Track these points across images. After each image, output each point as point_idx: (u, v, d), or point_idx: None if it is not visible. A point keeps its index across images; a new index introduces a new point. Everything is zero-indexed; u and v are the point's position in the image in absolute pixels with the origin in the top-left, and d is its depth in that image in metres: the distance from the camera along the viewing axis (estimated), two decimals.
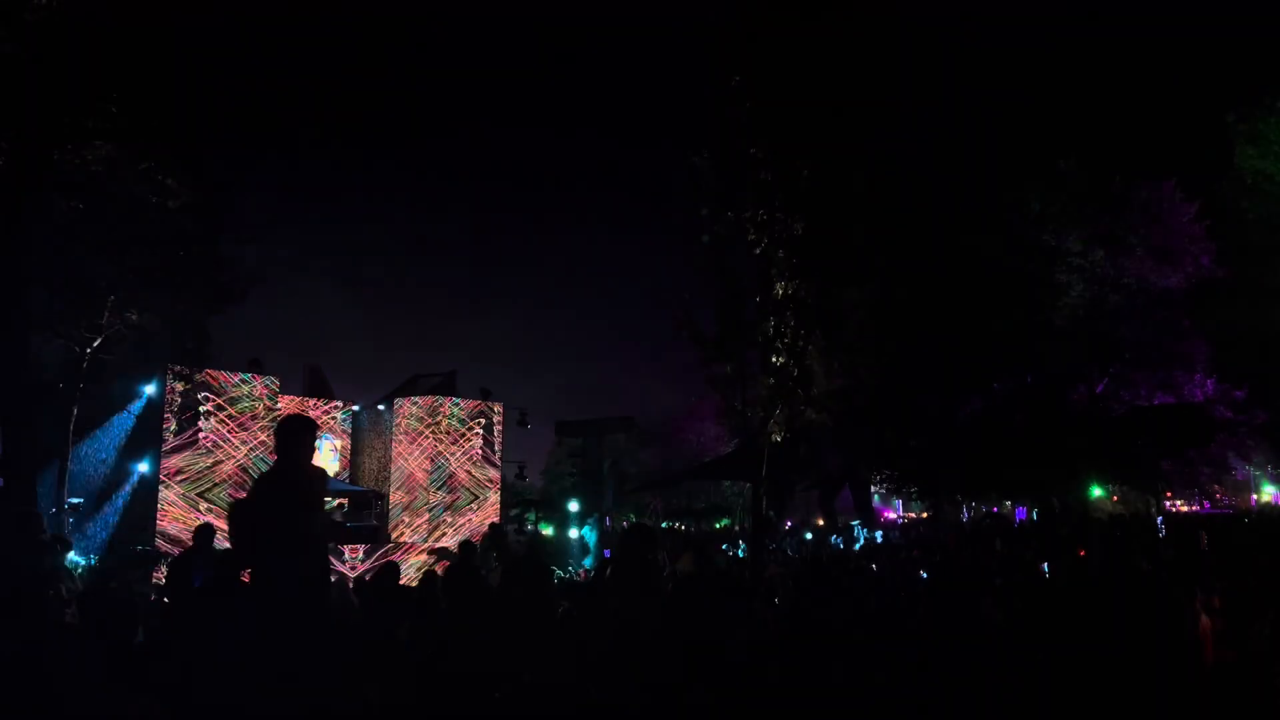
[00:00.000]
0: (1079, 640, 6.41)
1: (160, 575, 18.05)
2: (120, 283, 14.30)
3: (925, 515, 44.46)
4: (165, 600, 9.72)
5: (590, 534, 27.04)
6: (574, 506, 29.49)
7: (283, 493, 4.64)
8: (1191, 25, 23.54)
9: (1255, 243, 24.55)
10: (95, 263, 12.99)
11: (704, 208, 20.18)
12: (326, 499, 4.81)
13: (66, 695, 5.38)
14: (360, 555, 23.21)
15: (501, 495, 28.59)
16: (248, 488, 21.30)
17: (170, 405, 20.60)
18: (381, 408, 27.28)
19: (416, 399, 26.24)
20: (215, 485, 21.52)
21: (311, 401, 26.25)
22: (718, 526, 46.56)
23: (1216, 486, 33.83)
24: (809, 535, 31.43)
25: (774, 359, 22.89)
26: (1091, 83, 24.24)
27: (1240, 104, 24.29)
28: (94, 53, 11.37)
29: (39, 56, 11.00)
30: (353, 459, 27.12)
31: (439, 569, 11.15)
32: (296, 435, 4.73)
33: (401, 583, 8.55)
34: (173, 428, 20.77)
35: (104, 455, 21.46)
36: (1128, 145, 24.61)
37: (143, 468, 21.65)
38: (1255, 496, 46.72)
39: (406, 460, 25.93)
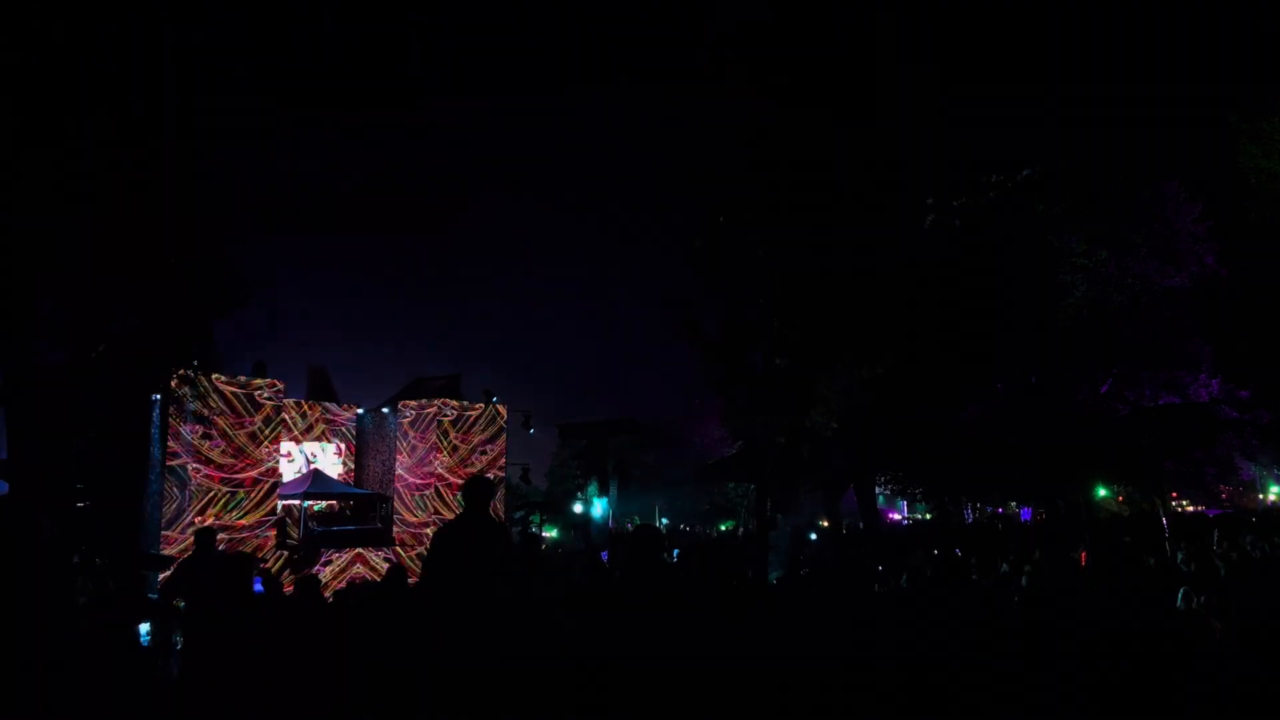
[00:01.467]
0: (1083, 639, 6.41)
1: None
2: (124, 287, 14.32)
3: (929, 516, 44.42)
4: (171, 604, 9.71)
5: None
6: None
7: (461, 536, 5.76)
8: (1196, 24, 23.51)
9: (1259, 242, 24.52)
10: (99, 263, 13.01)
11: (713, 210, 20.18)
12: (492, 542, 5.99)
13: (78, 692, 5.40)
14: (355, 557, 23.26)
15: (506, 497, 28.63)
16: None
17: (175, 410, 20.67)
18: (386, 410, 27.34)
19: (420, 402, 26.31)
20: (219, 488, 21.59)
21: (330, 406, 26.36)
22: (722, 529, 46.58)
23: (1222, 486, 33.79)
24: (813, 536, 31.42)
25: (777, 360, 22.88)
26: (1096, 81, 24.20)
27: (1244, 104, 24.27)
28: (94, 46, 11.42)
29: (37, 59, 11.05)
30: (357, 461, 27.19)
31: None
32: (480, 492, 5.84)
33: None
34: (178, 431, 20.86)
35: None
36: (1131, 145, 24.58)
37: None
38: (1261, 496, 46.62)
39: (410, 463, 25.98)
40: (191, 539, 20.46)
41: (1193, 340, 25.15)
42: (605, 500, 27.65)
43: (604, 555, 15.51)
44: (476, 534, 5.71)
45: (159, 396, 20.54)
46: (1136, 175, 24.87)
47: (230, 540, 21.05)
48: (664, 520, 47.39)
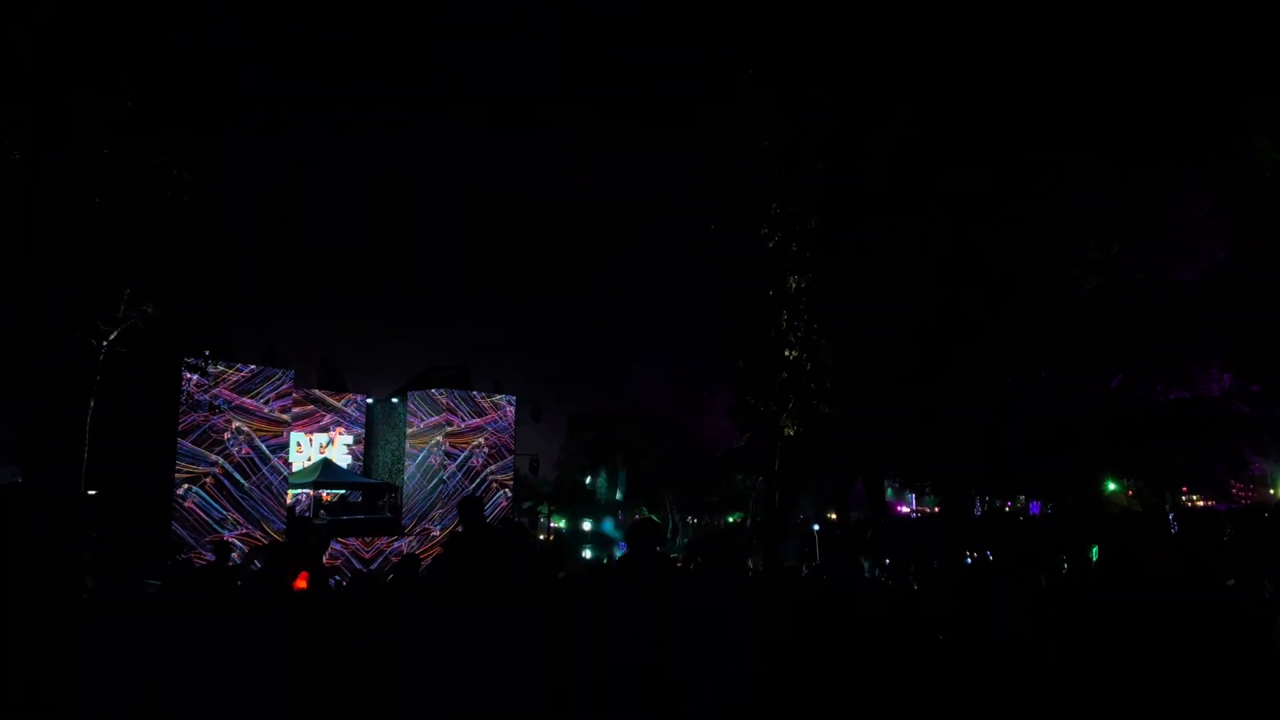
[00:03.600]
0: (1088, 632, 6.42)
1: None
2: (136, 275, 14.41)
3: (937, 510, 44.36)
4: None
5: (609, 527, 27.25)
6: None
7: (463, 547, 6.63)
8: (1210, 16, 23.30)
9: (1272, 236, 24.36)
10: (111, 253, 13.09)
11: (719, 203, 20.16)
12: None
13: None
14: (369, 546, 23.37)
15: (514, 487, 28.69)
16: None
17: (185, 398, 20.77)
18: (395, 401, 27.43)
19: (429, 392, 26.38)
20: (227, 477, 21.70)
21: (324, 393, 26.47)
22: (730, 520, 46.65)
23: (1232, 481, 33.66)
24: (816, 527, 31.47)
25: (787, 353, 22.85)
26: (1107, 75, 24.03)
27: (1257, 96, 24.06)
28: (101, 37, 11.48)
29: (50, 43, 11.11)
30: (366, 451, 27.29)
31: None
32: (471, 510, 6.64)
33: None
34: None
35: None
36: (1143, 138, 24.40)
37: None
38: (1271, 491, 46.34)
39: (419, 452, 26.07)
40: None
41: (1204, 335, 25.03)
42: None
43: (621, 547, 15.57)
44: (481, 546, 6.36)
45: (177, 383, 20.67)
46: (1150, 169, 24.69)
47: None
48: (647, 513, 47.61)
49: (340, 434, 26.77)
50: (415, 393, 26.61)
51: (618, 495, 41.79)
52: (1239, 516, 25.24)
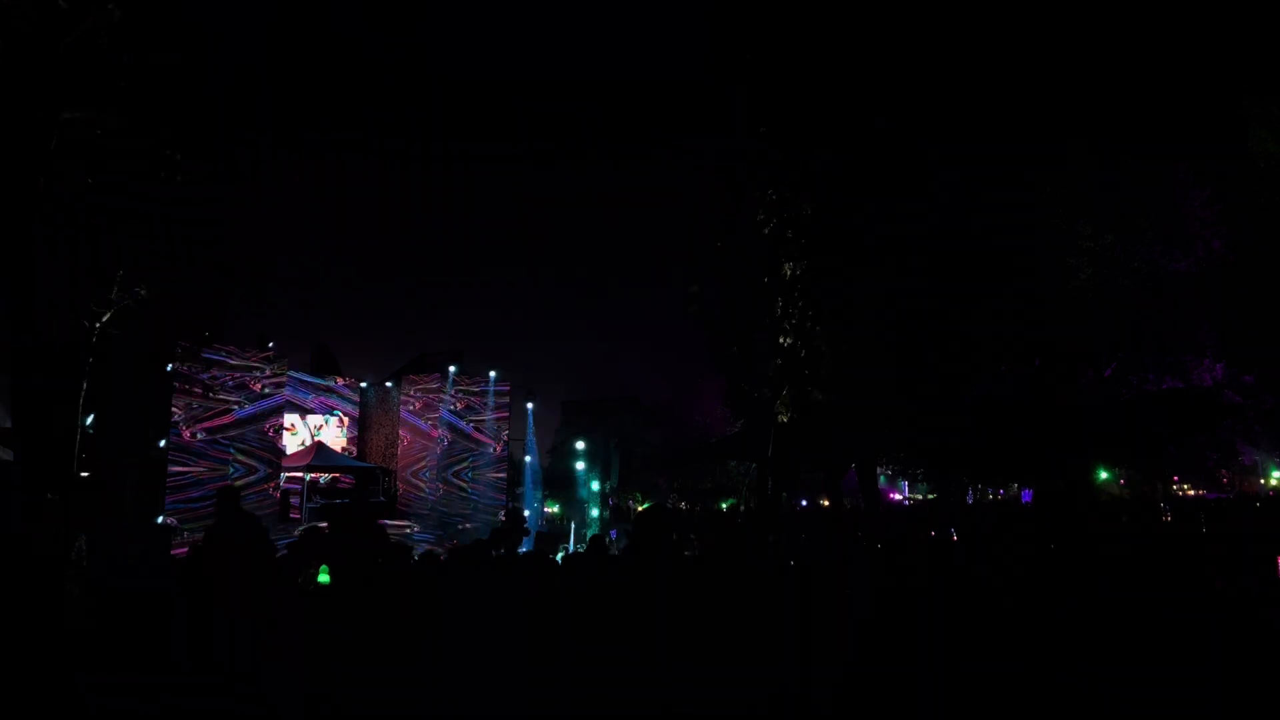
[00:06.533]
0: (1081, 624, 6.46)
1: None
2: (129, 257, 14.34)
3: (931, 497, 44.56)
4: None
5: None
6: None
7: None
8: (1209, 4, 23.28)
9: (1267, 227, 24.40)
10: (104, 235, 13.01)
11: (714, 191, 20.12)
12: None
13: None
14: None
15: (507, 474, 28.71)
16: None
17: (179, 381, 20.72)
18: (389, 385, 27.40)
19: (423, 376, 26.36)
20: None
21: (317, 377, 26.41)
22: (723, 507, 46.79)
23: (1223, 471, 33.81)
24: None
25: (781, 339, 22.87)
26: (1104, 62, 24.01)
27: (1255, 86, 24.05)
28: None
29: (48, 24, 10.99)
30: (360, 435, 27.27)
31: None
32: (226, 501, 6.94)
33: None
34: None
35: None
36: (1140, 127, 24.40)
37: None
38: (1262, 481, 46.59)
39: (413, 437, 26.08)
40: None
41: (1198, 325, 25.09)
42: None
43: (613, 534, 15.57)
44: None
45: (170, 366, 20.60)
46: (1146, 159, 24.70)
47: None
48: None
49: (333, 417, 26.74)
50: (409, 377, 26.59)
51: (608, 485, 41.86)
52: (1224, 508, 25.32)
